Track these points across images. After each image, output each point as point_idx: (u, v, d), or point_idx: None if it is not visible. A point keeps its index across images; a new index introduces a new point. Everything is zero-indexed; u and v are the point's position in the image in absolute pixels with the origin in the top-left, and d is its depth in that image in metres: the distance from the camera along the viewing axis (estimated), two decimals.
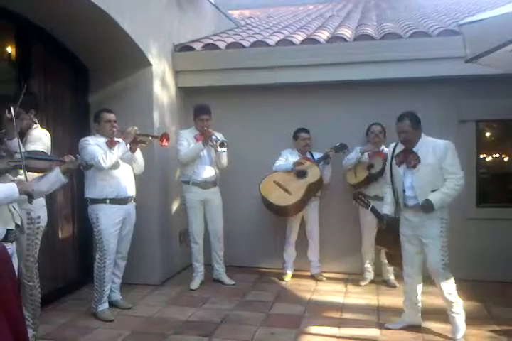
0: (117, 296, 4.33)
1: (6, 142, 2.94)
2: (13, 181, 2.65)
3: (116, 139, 4.11)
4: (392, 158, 3.76)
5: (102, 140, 4.06)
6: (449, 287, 3.54)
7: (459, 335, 3.54)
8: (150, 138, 4.32)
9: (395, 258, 3.91)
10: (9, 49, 4.07)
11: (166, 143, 4.29)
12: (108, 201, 4.02)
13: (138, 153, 4.24)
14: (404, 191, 3.65)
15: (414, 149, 3.60)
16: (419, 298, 3.79)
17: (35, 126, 3.42)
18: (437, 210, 3.52)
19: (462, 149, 4.92)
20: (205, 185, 4.81)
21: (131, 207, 4.22)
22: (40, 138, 3.37)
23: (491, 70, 3.81)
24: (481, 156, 5.21)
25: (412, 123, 3.57)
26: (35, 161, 2.80)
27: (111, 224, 4.03)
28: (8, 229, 2.65)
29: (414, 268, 3.72)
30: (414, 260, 3.70)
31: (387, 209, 3.85)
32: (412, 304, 3.80)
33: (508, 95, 4.74)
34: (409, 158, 3.60)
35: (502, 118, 4.92)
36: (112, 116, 4.10)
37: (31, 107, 3.39)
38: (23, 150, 2.77)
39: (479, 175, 5.07)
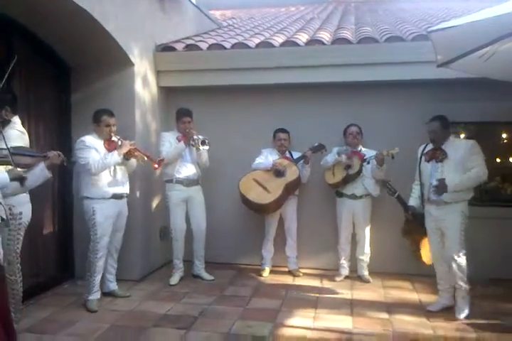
0: (114, 286, 4.51)
1: None
2: None
3: (113, 138, 4.25)
4: (421, 156, 4.15)
5: (99, 141, 4.20)
6: (461, 273, 3.92)
7: (462, 316, 3.93)
8: (145, 157, 4.40)
9: (418, 253, 4.26)
10: None
11: (158, 167, 4.51)
12: (104, 199, 4.18)
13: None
14: (430, 185, 4.00)
15: (443, 147, 4.00)
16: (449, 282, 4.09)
17: (13, 122, 3.44)
18: (459, 204, 3.90)
19: None
20: (188, 182, 4.91)
21: (124, 202, 4.39)
22: (19, 136, 3.40)
23: (464, 74, 3.98)
24: None
25: (442, 125, 3.98)
26: (20, 157, 2.84)
27: (106, 216, 4.16)
28: None
29: (441, 257, 4.05)
30: (439, 249, 4.06)
31: (414, 201, 4.27)
32: (445, 288, 4.13)
33: (482, 98, 4.90)
34: (437, 154, 4.00)
35: (476, 120, 5.08)
36: (113, 121, 4.23)
37: (6, 104, 3.42)
38: (6, 146, 2.81)
39: None
